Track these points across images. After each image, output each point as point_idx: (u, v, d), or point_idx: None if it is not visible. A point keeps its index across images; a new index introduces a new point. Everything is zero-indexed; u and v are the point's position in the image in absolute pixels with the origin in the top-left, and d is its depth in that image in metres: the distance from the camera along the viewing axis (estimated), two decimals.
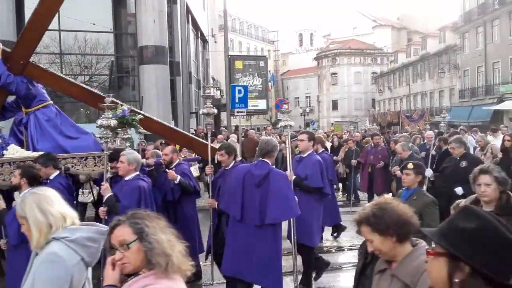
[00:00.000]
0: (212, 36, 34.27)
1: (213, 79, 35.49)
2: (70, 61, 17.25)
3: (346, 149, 11.81)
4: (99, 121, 4.98)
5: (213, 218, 5.64)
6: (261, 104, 23.98)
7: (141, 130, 6.19)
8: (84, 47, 17.24)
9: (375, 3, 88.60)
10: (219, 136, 12.94)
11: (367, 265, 2.59)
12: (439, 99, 41.13)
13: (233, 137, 12.66)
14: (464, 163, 6.46)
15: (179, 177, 5.68)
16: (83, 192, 6.61)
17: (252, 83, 22.49)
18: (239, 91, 12.34)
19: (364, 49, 58.65)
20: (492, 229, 1.52)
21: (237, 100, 12.33)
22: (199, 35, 28.82)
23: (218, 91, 36.28)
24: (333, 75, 58.96)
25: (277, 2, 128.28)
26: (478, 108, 31.91)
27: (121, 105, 5.78)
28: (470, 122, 30.53)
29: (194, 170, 10.88)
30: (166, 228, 2.00)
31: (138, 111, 6.60)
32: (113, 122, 5.03)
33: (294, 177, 5.52)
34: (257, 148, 5.03)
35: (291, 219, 5.20)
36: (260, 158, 4.81)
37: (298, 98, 67.62)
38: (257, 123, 44.51)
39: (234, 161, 5.53)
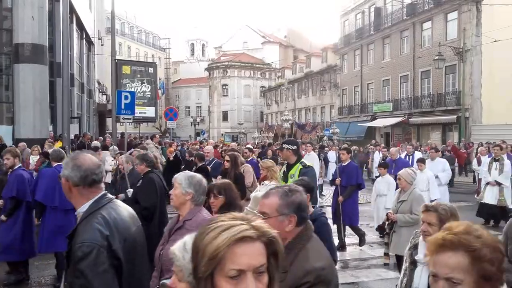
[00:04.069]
0: (99, 38, 32.62)
1: (99, 83, 33.76)
2: None
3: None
4: None
5: None
6: (150, 111, 23.36)
7: None
8: None
9: (264, 19, 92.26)
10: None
11: None
12: (321, 115, 44.01)
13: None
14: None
15: None
16: None
17: (141, 89, 21.81)
18: (126, 97, 11.83)
19: (253, 63, 60.71)
20: None
21: (123, 106, 11.79)
22: (84, 36, 27.25)
23: (104, 96, 34.58)
24: (224, 87, 59.95)
25: (169, 10, 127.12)
26: (354, 124, 34.79)
27: None
28: (347, 137, 33.15)
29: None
30: None
31: None
32: None
33: None
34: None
35: None
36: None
37: (189, 107, 67.31)
38: (146, 131, 43.25)
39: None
